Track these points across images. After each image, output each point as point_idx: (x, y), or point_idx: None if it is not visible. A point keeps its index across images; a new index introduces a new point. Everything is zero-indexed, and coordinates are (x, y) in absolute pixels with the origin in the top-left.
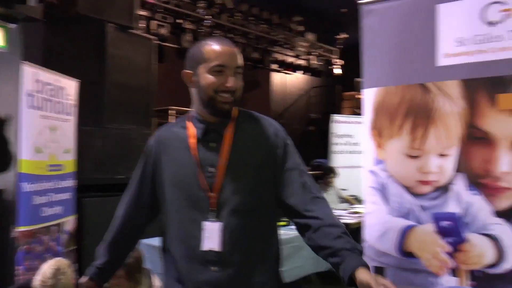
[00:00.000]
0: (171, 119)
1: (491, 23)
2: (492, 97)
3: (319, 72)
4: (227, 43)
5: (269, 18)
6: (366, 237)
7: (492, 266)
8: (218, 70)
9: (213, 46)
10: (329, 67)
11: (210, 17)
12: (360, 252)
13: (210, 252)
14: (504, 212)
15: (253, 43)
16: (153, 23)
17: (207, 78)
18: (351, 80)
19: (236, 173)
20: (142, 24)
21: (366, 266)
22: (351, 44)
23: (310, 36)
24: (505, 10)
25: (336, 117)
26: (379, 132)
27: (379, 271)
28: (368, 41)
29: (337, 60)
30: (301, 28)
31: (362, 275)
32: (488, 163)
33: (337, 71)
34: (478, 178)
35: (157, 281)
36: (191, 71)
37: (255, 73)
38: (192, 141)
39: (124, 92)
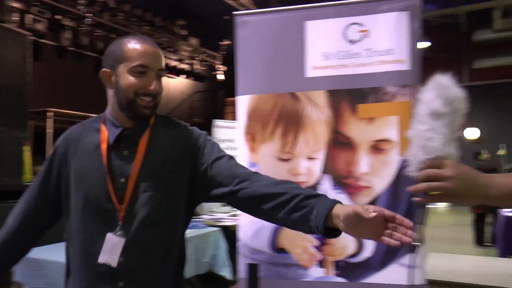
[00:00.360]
0: (49, 122)
1: (351, 41)
2: (353, 106)
3: (202, 77)
4: (151, 43)
5: (152, 20)
6: (240, 236)
7: (353, 256)
8: (140, 71)
9: (136, 45)
10: (212, 72)
11: (91, 15)
12: (326, 196)
13: (119, 267)
14: None
15: None
16: (28, 17)
17: (128, 79)
18: (234, 86)
19: (147, 184)
20: (15, 17)
21: (340, 202)
22: (233, 51)
23: (194, 41)
24: (362, 31)
25: (217, 122)
26: (252, 137)
27: (253, 267)
28: (242, 50)
29: (220, 66)
30: (184, 32)
31: (344, 208)
32: (350, 165)
33: (220, 76)
34: (342, 178)
35: None
36: (110, 70)
37: None
38: (104, 147)
39: None
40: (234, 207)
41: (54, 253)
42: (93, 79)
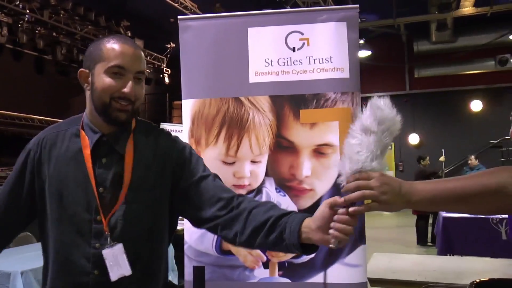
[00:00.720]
0: None
1: (292, 49)
2: (295, 112)
3: (148, 80)
4: (130, 43)
5: (95, 20)
6: (186, 238)
7: (297, 256)
8: (116, 72)
9: (114, 44)
10: (160, 75)
11: (28, 11)
12: (296, 212)
13: (93, 280)
14: (306, 210)
15: (79, 44)
16: None
17: (103, 80)
18: (178, 89)
19: (129, 195)
20: None
21: (309, 216)
22: (178, 54)
23: (138, 43)
24: (303, 39)
25: (164, 125)
26: (197, 140)
27: (199, 270)
28: (185, 55)
29: (166, 69)
30: (128, 33)
31: (315, 214)
32: (293, 169)
33: (166, 79)
34: (285, 181)
35: None
36: (87, 70)
37: None
38: (87, 153)
39: None
40: (212, 233)
41: None
42: (34, 78)
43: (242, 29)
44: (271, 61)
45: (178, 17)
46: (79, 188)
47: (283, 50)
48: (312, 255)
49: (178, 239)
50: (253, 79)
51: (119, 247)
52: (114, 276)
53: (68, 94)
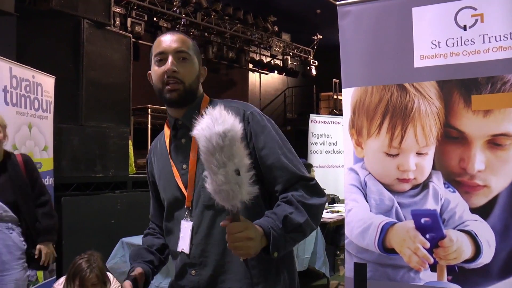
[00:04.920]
0: (149, 118)
1: (463, 27)
2: (466, 98)
3: (295, 73)
4: (171, 32)
5: (244, 18)
6: (347, 233)
7: (469, 261)
8: (160, 59)
9: (157, 39)
10: (307, 67)
11: (183, 16)
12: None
13: (190, 254)
14: (479, 208)
15: (228, 42)
16: (128, 21)
17: (153, 71)
18: (325, 80)
19: (199, 172)
20: (116, 21)
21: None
22: (324, 45)
23: (285, 36)
24: (475, 15)
25: (313, 116)
26: (358, 131)
27: (360, 267)
28: (345, 42)
29: (312, 61)
30: (275, 28)
31: None
32: (463, 162)
33: (313, 71)
34: (454, 176)
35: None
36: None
37: (231, 72)
38: (167, 140)
39: (101, 90)
40: None
41: None
42: None
43: (405, 9)
44: (439, 42)
45: (337, 3)
46: (168, 171)
47: (452, 29)
48: (488, 261)
49: (328, 231)
50: (418, 63)
51: (190, 224)
52: (179, 247)
53: (218, 89)
